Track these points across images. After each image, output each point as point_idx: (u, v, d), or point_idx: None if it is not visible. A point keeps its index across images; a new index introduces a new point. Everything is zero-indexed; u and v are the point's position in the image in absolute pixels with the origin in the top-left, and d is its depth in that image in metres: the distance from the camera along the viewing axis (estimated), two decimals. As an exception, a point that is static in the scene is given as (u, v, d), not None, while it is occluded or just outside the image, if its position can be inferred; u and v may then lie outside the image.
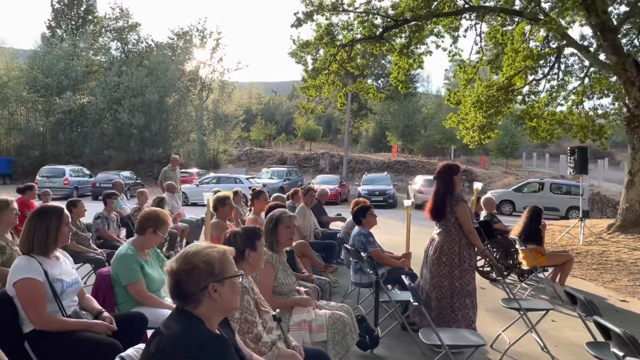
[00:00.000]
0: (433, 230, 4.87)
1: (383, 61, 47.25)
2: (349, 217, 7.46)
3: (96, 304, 3.19)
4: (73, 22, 42.57)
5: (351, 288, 6.27)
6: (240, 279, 1.92)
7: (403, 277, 3.84)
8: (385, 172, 28.83)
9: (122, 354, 1.88)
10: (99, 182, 23.76)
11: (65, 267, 3.05)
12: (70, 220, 3.04)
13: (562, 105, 16.35)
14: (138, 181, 27.09)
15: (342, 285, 6.81)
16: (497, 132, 15.41)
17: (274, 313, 2.63)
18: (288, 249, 4.09)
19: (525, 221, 6.81)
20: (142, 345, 1.98)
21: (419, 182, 24.28)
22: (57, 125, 36.59)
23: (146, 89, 36.37)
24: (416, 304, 3.40)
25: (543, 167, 38.48)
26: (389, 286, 5.06)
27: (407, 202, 5.61)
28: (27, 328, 2.80)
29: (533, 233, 6.74)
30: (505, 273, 7.88)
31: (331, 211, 9.74)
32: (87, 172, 27.62)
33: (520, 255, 6.88)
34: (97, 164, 34.20)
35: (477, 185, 5.27)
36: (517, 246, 6.90)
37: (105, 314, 3.10)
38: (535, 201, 20.36)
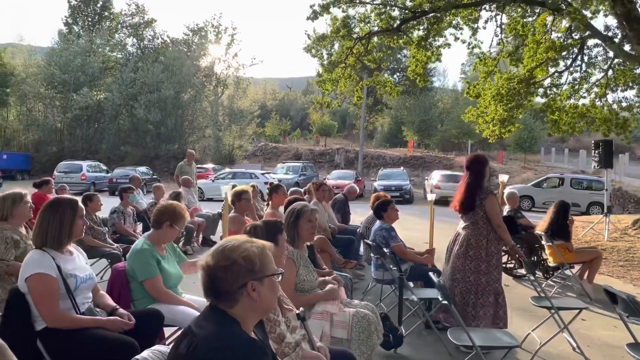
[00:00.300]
0: (458, 225, 4.68)
1: (399, 55, 46.79)
2: (368, 214, 7.29)
3: (110, 301, 3.07)
4: (89, 19, 42.90)
5: (371, 285, 6.11)
6: (280, 277, 1.77)
7: (431, 274, 3.66)
8: (402, 167, 28.51)
9: (138, 356, 1.74)
10: (116, 177, 23.87)
11: (79, 262, 2.92)
12: (84, 213, 2.91)
13: (584, 97, 15.93)
14: (154, 177, 27.18)
15: (360, 282, 6.64)
16: (518, 126, 15.05)
17: (297, 311, 2.47)
18: (308, 243, 3.93)
19: (552, 216, 6.58)
20: (159, 347, 1.85)
21: (435, 177, 24.00)
22: (74, 122, 36.92)
23: (162, 84, 36.49)
24: (445, 302, 3.22)
25: (562, 162, 37.78)
26: (410, 283, 4.88)
27: (431, 197, 5.42)
28: (40, 325, 2.68)
29: (560, 228, 6.50)
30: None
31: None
32: (104, 167, 27.81)
33: (547, 252, 6.64)
34: (114, 160, 34.45)
35: (503, 178, 5.05)
36: (544, 242, 6.67)
37: (121, 310, 2.97)
38: (555, 197, 19.95)
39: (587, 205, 20.01)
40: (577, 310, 4.28)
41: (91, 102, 36.13)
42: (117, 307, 3.00)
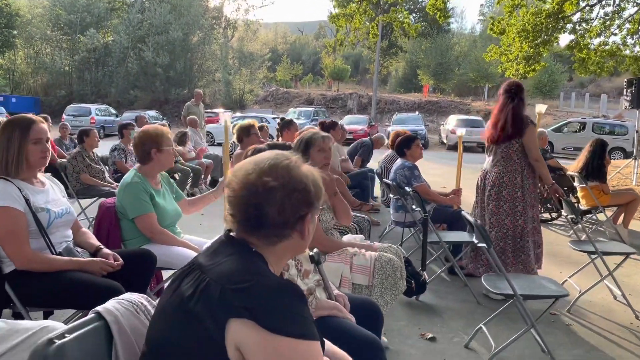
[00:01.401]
0: (485, 162, 4.17)
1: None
2: (386, 152, 6.78)
3: (94, 240, 2.65)
4: (93, -44, 41.21)
5: (389, 228, 5.69)
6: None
7: (465, 213, 3.19)
8: (417, 112, 27.64)
9: (99, 307, 1.31)
10: (125, 121, 23.40)
11: (53, 195, 2.49)
12: (45, 136, 2.40)
13: (615, 34, 14.97)
14: (164, 121, 26.69)
15: (374, 229, 6.22)
16: (544, 65, 14.22)
17: (311, 253, 2.04)
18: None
19: (588, 155, 6.02)
20: (128, 295, 1.41)
21: (451, 122, 23.25)
22: (82, 65, 36.24)
23: (170, 26, 35.39)
24: (483, 245, 2.76)
25: (582, 107, 36.50)
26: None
27: (461, 131, 4.87)
28: (8, 267, 2.28)
29: (596, 169, 5.96)
30: (555, 215, 7.18)
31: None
32: (114, 111, 27.36)
33: (579, 194, 6.13)
34: (124, 104, 33.94)
35: (540, 108, 4.45)
36: (576, 184, 6.15)
37: (106, 250, 2.56)
38: (576, 142, 19.24)
39: (610, 150, 19.24)
40: (624, 256, 3.83)
41: (98, 45, 35.34)
42: (101, 246, 2.59)
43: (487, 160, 4.06)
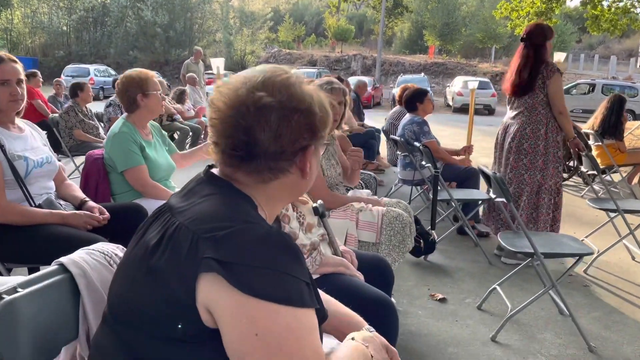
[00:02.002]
0: (506, 115, 3.91)
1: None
2: (394, 109, 6.49)
3: (79, 192, 2.43)
4: None
5: (395, 187, 5.49)
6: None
7: (482, 167, 2.95)
8: (422, 74, 27.06)
9: (63, 258, 1.10)
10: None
11: (32, 142, 2.26)
12: (18, 77, 2.13)
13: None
14: (166, 83, 26.22)
15: (379, 189, 6.02)
16: (555, 22, 13.70)
17: (314, 204, 1.82)
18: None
19: (605, 112, 5.74)
20: (100, 245, 1.21)
21: (458, 84, 22.79)
22: (80, 24, 35.45)
23: (168, -17, 34.43)
24: (501, 199, 2.54)
25: (591, 69, 35.74)
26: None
27: (473, 84, 4.58)
28: (-19, 220, 2.08)
29: (612, 126, 5.70)
30: (566, 175, 6.94)
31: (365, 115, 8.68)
32: (113, 72, 26.83)
33: (594, 152, 5.87)
34: (123, 65, 33.27)
35: (559, 57, 4.13)
36: (591, 142, 5.89)
37: (91, 203, 2.35)
38: (585, 104, 18.81)
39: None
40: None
41: (96, 3, 34.48)
42: (87, 199, 2.38)
43: (507, 113, 3.79)
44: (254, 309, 0.78)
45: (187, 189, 0.99)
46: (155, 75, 2.81)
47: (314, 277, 1.73)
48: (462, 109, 21.47)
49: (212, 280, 0.80)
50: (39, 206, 2.18)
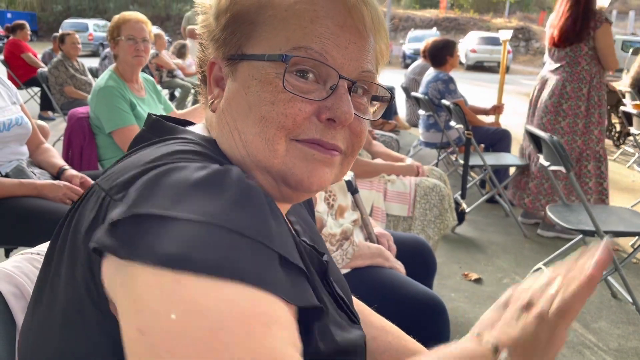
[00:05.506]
0: (543, 68, 3.46)
1: None
2: (415, 63, 5.96)
3: (57, 159, 2.05)
4: None
5: (413, 150, 5.08)
6: None
7: (529, 126, 2.53)
8: (434, 29, 26.07)
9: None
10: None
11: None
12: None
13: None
14: (167, 38, 25.47)
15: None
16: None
17: (347, 178, 1.43)
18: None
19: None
20: (44, 247, 0.82)
21: (471, 40, 21.93)
22: (79, -23, 34.37)
23: None
24: (556, 167, 2.15)
25: (608, 26, 34.46)
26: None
27: (507, 35, 4.08)
28: None
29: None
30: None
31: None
32: (113, 27, 26.07)
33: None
34: (124, 21, 32.50)
35: (603, 3, 3.60)
36: (627, 100, 5.42)
37: (71, 171, 1.97)
38: (603, 61, 18.06)
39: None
40: None
41: (94, -46, 33.28)
42: (66, 166, 2.00)
43: (546, 65, 3.33)
44: (158, 283, 0.43)
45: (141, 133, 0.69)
46: (140, 19, 2.37)
47: (344, 272, 1.36)
48: (476, 67, 20.74)
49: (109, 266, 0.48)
50: (7, 176, 1.81)
